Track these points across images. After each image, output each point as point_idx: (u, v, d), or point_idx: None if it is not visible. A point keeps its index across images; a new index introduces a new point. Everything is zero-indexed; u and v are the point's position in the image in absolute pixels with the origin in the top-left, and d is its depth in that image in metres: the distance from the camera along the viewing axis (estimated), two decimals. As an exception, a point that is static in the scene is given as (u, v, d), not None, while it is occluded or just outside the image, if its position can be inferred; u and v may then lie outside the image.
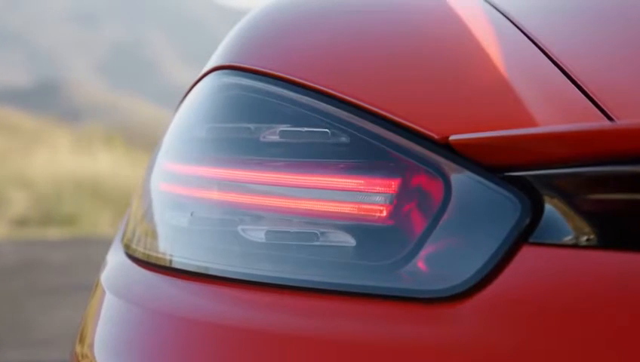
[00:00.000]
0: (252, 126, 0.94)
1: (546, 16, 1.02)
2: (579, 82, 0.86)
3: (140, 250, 1.02)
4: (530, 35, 0.96)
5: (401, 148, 0.84)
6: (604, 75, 0.89)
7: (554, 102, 0.84)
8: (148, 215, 1.06)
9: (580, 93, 0.85)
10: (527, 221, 0.75)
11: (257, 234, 0.90)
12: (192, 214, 0.95)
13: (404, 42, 0.97)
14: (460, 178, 0.80)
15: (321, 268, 0.85)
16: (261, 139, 0.93)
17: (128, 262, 1.03)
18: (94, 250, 7.64)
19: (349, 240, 0.85)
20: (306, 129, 0.91)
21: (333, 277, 0.84)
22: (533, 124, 0.81)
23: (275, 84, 0.95)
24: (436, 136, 0.82)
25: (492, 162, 0.79)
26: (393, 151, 0.85)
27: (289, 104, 0.93)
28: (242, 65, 1.00)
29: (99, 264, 1.13)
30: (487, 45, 0.92)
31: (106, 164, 13.87)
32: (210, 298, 0.90)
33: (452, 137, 0.81)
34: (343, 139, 0.88)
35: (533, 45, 0.94)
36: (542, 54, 0.92)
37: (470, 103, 0.86)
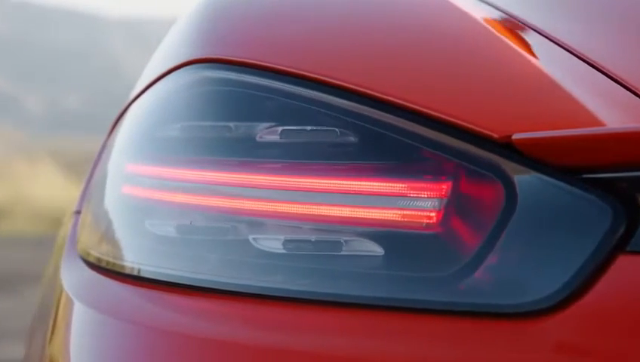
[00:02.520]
0: (250, 125, 0.83)
1: (550, 16, 0.96)
2: (622, 81, 0.81)
3: (104, 258, 0.89)
4: (550, 37, 0.89)
5: (450, 149, 0.76)
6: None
7: (609, 101, 0.78)
8: (110, 221, 0.92)
9: (628, 92, 0.79)
10: (623, 228, 0.69)
11: (274, 243, 0.79)
12: (190, 222, 0.83)
13: (416, 34, 0.88)
14: (527, 180, 0.73)
15: (361, 281, 0.76)
16: (258, 138, 0.82)
17: (94, 274, 0.89)
18: None
19: (396, 250, 0.75)
20: (319, 127, 0.80)
21: (381, 291, 0.74)
22: (598, 123, 0.75)
23: (274, 78, 0.83)
24: (496, 135, 0.74)
25: (566, 163, 0.72)
26: (439, 152, 0.76)
27: (293, 100, 0.82)
28: (229, 57, 0.87)
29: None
30: (515, 42, 0.85)
31: None
32: (197, 314, 0.80)
33: (515, 136, 0.73)
34: (365, 138, 0.79)
35: (558, 47, 0.88)
36: (570, 54, 0.86)
37: (521, 100, 0.78)
